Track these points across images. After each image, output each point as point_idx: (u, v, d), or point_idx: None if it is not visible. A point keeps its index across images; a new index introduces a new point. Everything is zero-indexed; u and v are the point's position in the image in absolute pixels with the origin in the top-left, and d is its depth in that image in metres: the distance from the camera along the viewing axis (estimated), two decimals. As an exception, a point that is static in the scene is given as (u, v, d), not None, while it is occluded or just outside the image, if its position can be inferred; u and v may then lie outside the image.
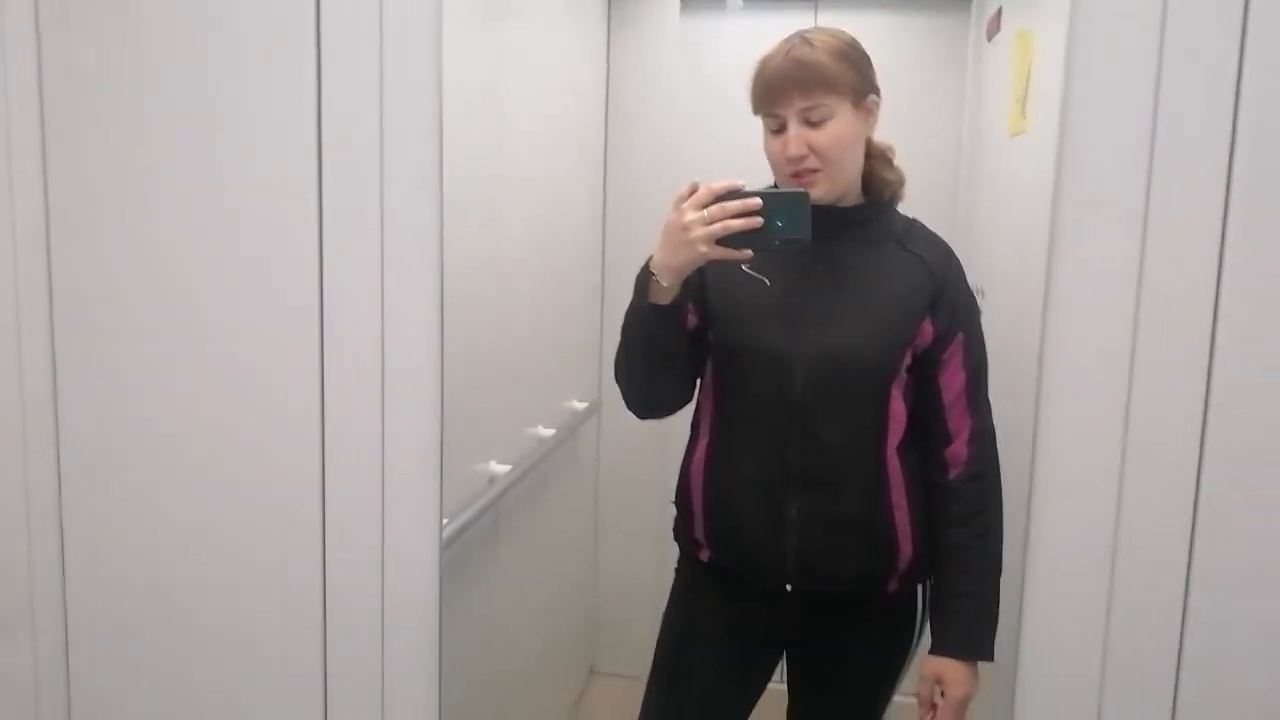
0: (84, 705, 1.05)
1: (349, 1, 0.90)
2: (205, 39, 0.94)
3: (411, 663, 0.98)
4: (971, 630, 1.25)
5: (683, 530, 1.36)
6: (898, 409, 1.25)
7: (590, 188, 2.35)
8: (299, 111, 0.92)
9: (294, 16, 0.91)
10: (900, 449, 1.25)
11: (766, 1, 2.40)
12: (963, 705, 1.24)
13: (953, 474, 1.26)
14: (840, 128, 1.19)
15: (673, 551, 1.41)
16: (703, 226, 1.08)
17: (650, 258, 1.15)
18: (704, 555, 1.34)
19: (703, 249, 1.08)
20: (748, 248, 1.09)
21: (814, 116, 1.18)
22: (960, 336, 1.25)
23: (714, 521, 1.31)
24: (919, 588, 1.32)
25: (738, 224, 1.07)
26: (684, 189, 1.10)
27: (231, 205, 0.95)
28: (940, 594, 1.28)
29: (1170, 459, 0.86)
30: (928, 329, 1.24)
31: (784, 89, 1.18)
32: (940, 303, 1.24)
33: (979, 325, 1.29)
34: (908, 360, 1.24)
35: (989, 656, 1.24)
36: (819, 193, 1.19)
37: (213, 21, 0.93)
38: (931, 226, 1.33)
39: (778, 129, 1.20)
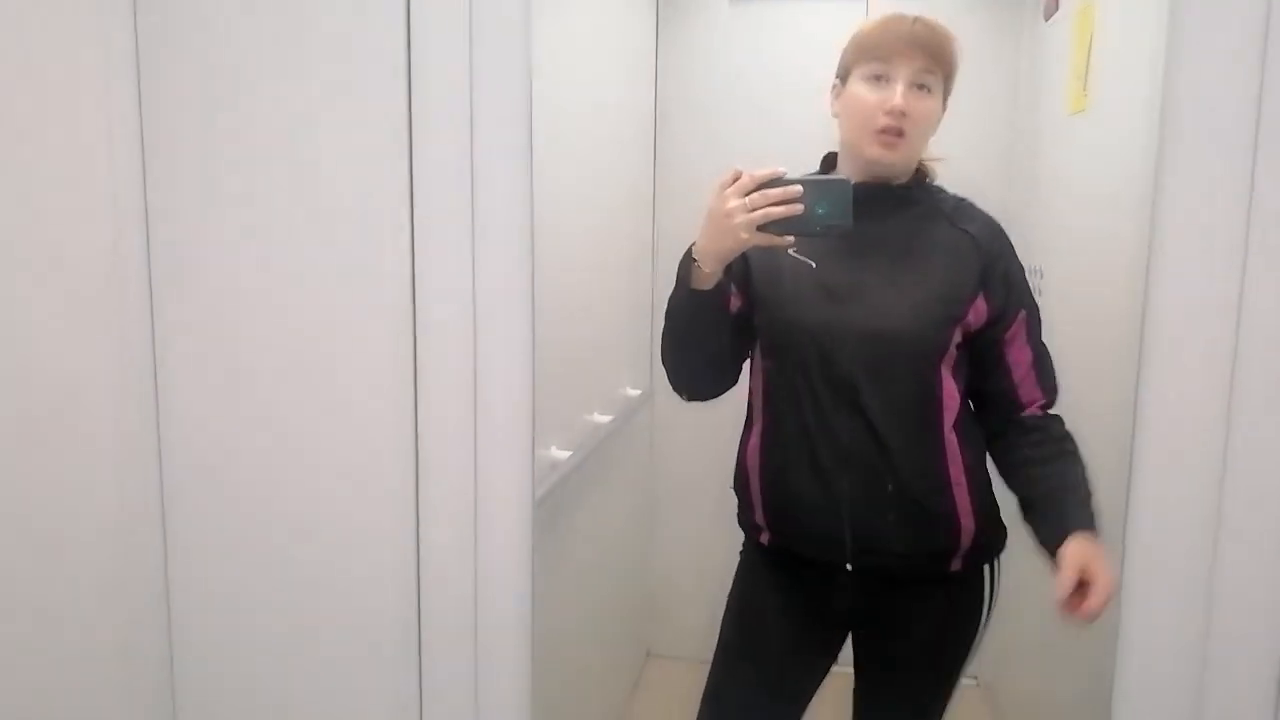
0: (187, 683, 1.10)
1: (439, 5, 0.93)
2: (297, 59, 0.97)
3: (503, 638, 1.02)
4: (1093, 514, 1.18)
5: (744, 515, 1.38)
6: (950, 387, 1.25)
7: (641, 176, 2.36)
8: (389, 101, 0.96)
9: (386, 18, 0.95)
10: (958, 426, 1.25)
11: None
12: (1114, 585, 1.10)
13: (1027, 415, 1.27)
14: (935, 106, 1.22)
15: (727, 536, 1.43)
16: (745, 213, 1.08)
17: (693, 244, 1.17)
18: (765, 538, 1.35)
19: (744, 235, 1.09)
20: (789, 234, 1.10)
21: (923, 82, 1.19)
22: (1022, 314, 1.26)
23: (772, 504, 1.32)
24: (986, 569, 1.32)
25: (779, 210, 1.08)
26: (727, 176, 1.11)
27: (326, 206, 0.99)
28: (1045, 494, 1.23)
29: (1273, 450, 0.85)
30: (981, 306, 1.24)
31: (903, 48, 1.19)
32: (991, 279, 1.24)
33: (1034, 300, 1.29)
34: (958, 337, 1.24)
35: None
36: (896, 158, 1.22)
37: (301, 35, 0.97)
38: (985, 206, 1.32)
39: (878, 85, 1.20)
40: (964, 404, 1.27)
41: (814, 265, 1.25)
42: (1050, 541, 1.16)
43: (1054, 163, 2.11)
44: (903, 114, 1.19)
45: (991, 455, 1.30)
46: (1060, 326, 1.38)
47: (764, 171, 1.09)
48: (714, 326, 1.22)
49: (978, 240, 1.25)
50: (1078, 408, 1.31)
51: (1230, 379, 0.86)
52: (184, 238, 1.02)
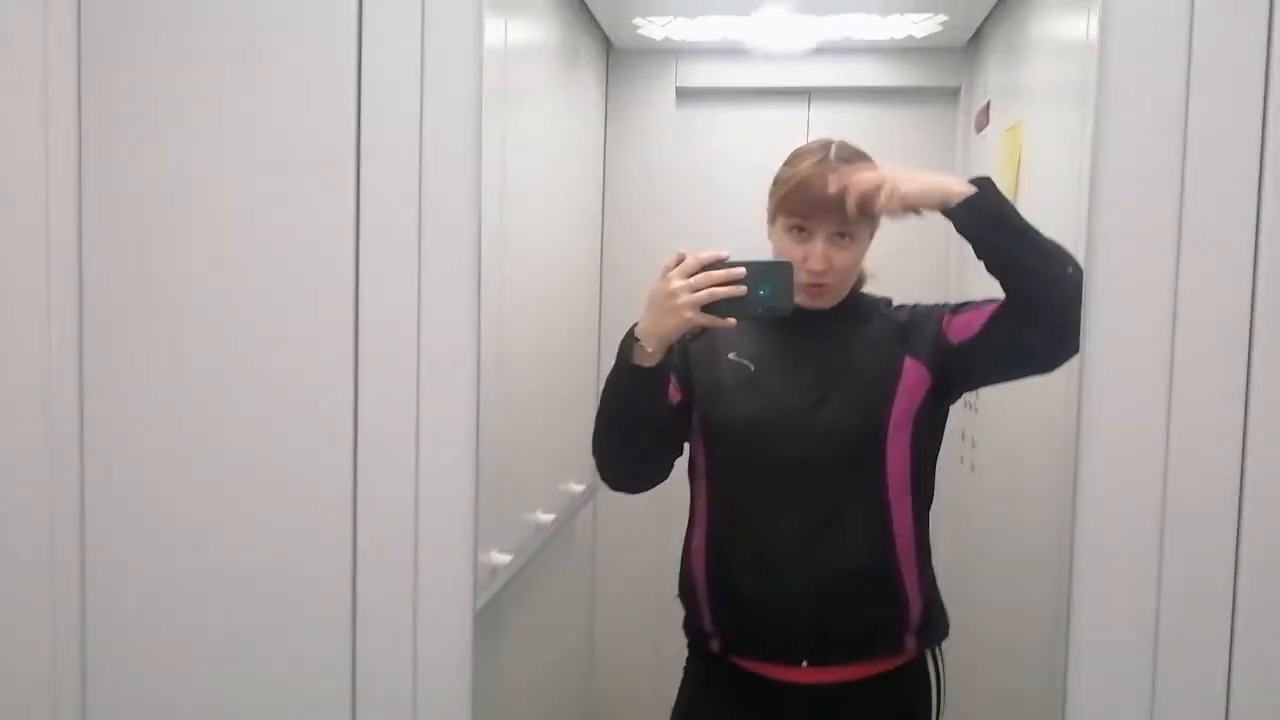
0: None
1: (388, 89, 0.93)
2: (244, 67, 0.97)
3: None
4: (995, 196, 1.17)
5: (691, 623, 1.35)
6: (896, 463, 1.26)
7: (586, 271, 2.37)
8: (337, 201, 0.95)
9: (335, 111, 0.93)
10: (904, 499, 1.27)
11: (759, 94, 2.46)
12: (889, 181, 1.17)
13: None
14: (860, 248, 1.27)
15: (670, 641, 1.39)
16: (689, 293, 1.11)
17: (635, 324, 1.18)
18: (714, 645, 1.32)
19: (688, 314, 1.12)
20: (731, 315, 1.13)
21: (844, 232, 1.23)
22: (946, 313, 1.28)
23: (720, 607, 1.30)
24: (931, 659, 1.31)
25: (723, 291, 1.12)
26: (671, 258, 1.15)
27: (266, 299, 0.97)
28: None
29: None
30: (914, 370, 1.26)
31: (821, 208, 1.22)
32: (917, 336, 1.27)
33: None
34: (901, 414, 1.25)
35: (977, 195, 1.17)
36: (823, 303, 1.28)
37: (251, 49, 0.96)
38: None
39: (800, 236, 1.24)
40: (913, 470, 1.27)
41: (752, 368, 1.26)
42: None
43: (986, 277, 2.17)
44: (823, 273, 1.24)
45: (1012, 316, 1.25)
46: (990, 443, 1.39)
47: (708, 253, 1.13)
48: (651, 407, 1.22)
49: (898, 318, 1.30)
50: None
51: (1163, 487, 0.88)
52: (119, 251, 0.99)
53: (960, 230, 1.17)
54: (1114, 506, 0.88)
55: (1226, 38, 0.84)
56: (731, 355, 1.29)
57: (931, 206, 1.16)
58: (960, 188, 1.15)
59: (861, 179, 1.17)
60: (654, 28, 2.28)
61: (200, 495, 0.97)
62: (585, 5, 2.16)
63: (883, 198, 1.16)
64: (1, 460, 0.96)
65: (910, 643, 1.30)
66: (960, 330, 1.26)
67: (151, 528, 0.98)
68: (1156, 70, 0.85)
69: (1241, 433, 0.86)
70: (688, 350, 1.32)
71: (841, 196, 1.21)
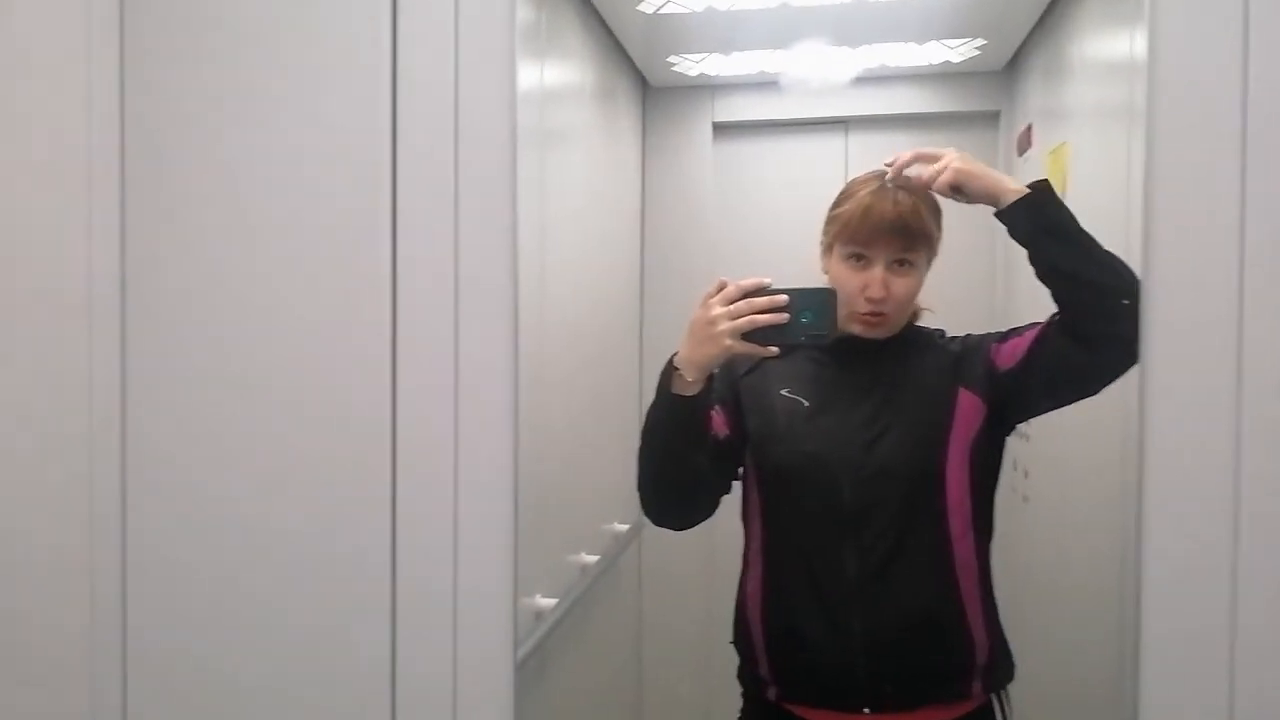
0: None
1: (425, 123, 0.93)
2: (280, 107, 0.97)
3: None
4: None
5: (747, 670, 1.31)
6: (956, 498, 1.22)
7: (626, 309, 2.36)
8: (372, 242, 0.94)
9: (369, 152, 0.94)
10: (966, 534, 1.23)
11: (796, 126, 2.45)
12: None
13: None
14: (918, 279, 1.25)
15: (721, 686, 1.35)
16: (728, 321, 1.09)
17: (675, 354, 1.16)
18: (771, 693, 1.28)
19: (728, 342, 1.10)
20: (772, 343, 1.11)
21: (903, 259, 1.21)
22: (993, 343, 1.24)
23: (778, 653, 1.26)
24: (998, 701, 1.26)
25: (763, 319, 1.10)
26: (712, 286, 1.13)
27: (299, 348, 0.97)
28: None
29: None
30: (968, 401, 1.22)
31: (882, 234, 1.21)
32: (969, 367, 1.24)
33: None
34: (965, 442, 1.22)
35: (1032, 197, 1.16)
36: (879, 333, 1.24)
37: (287, 91, 0.97)
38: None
39: (859, 264, 1.22)
40: (973, 505, 1.23)
41: (806, 404, 1.23)
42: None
43: (1033, 303, 2.12)
44: (882, 300, 1.21)
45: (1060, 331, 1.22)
46: (1045, 474, 1.35)
47: (749, 280, 1.12)
48: (691, 439, 1.19)
49: (951, 349, 1.27)
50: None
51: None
52: (161, 253, 0.99)
53: (1014, 234, 1.16)
54: (1183, 535, 0.83)
55: (1281, 49, 0.81)
56: (784, 391, 1.26)
57: (983, 196, 1.16)
58: (1016, 186, 1.14)
59: (923, 151, 1.18)
60: (689, 64, 2.28)
61: (236, 557, 0.96)
62: (620, 45, 2.18)
63: (940, 164, 1.16)
64: (45, 452, 0.96)
65: (976, 687, 1.25)
66: (1008, 356, 1.23)
67: (187, 567, 0.97)
68: (1210, 85, 0.82)
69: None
70: (738, 386, 1.29)
71: (905, 224, 1.20)
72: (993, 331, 1.28)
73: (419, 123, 0.92)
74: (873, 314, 1.23)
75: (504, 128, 0.92)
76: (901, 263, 1.22)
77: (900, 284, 1.23)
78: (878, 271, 1.22)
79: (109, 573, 0.98)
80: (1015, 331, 1.25)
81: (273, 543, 0.96)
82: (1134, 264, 0.89)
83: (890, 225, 1.21)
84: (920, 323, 1.34)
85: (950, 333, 1.33)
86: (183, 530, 0.98)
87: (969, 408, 1.24)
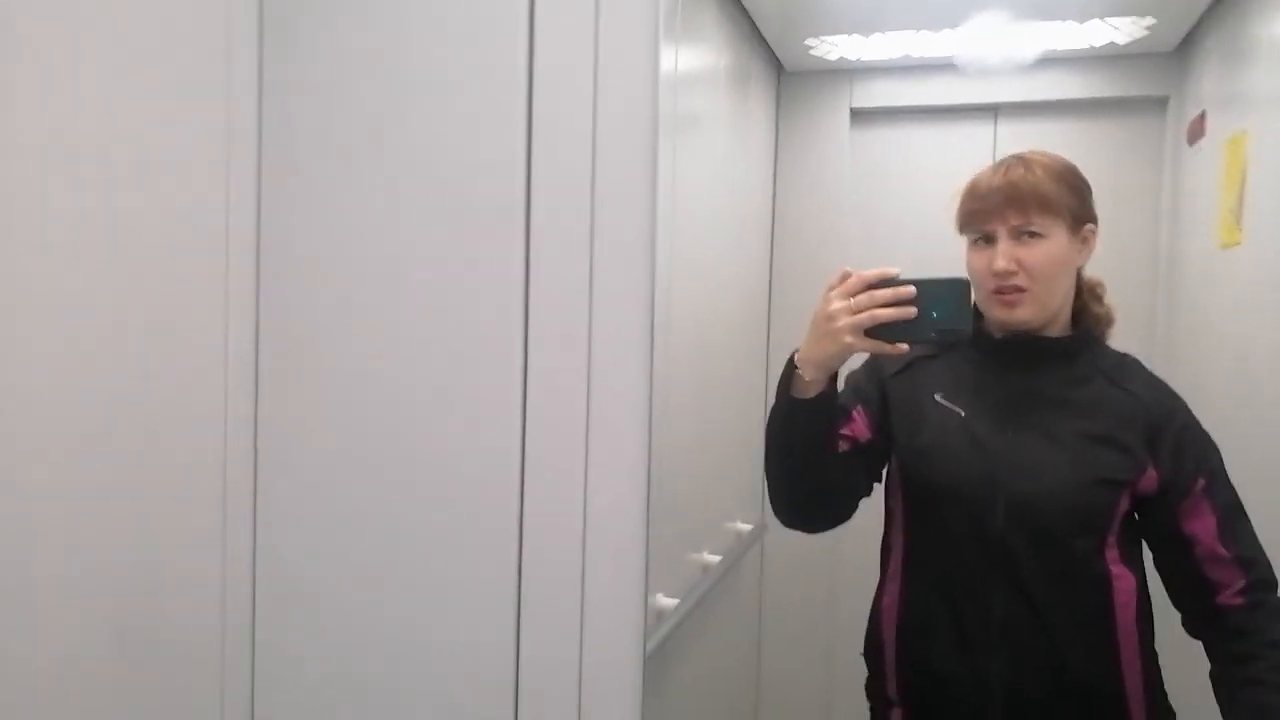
0: None
1: (561, 119, 0.90)
2: (416, 98, 0.95)
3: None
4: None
5: (875, 686, 1.23)
6: (1121, 568, 1.11)
7: (755, 303, 2.30)
8: (507, 242, 0.92)
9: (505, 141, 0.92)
10: (1131, 606, 1.11)
11: (941, 112, 2.33)
12: None
13: (1226, 606, 1.09)
14: (1052, 249, 1.11)
15: (840, 691, 1.28)
16: (849, 316, 0.99)
17: (795, 351, 1.07)
18: (897, 716, 1.19)
19: (849, 339, 0.99)
20: (901, 340, 0.99)
21: (1030, 230, 1.10)
22: (1201, 483, 1.10)
23: (909, 679, 1.18)
24: None
25: (887, 314, 0.98)
26: (835, 277, 1.02)
27: (431, 346, 0.95)
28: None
29: None
30: (1151, 475, 1.10)
31: (995, 205, 1.11)
32: (1160, 444, 1.10)
33: (1222, 466, 1.12)
34: (1125, 505, 1.10)
35: None
36: (1024, 315, 1.11)
37: (423, 81, 0.95)
38: (1130, 338, 1.22)
39: (984, 245, 1.13)
40: (1140, 587, 1.12)
41: (962, 414, 1.14)
42: None
43: (1204, 297, 1.95)
44: (1009, 273, 1.10)
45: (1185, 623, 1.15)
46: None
47: (873, 272, 1.01)
48: (812, 445, 1.10)
49: (1142, 400, 1.13)
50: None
51: None
52: (295, 283, 0.99)
53: None
54: None
55: None
56: (938, 397, 1.15)
57: None
58: None
59: None
60: (827, 47, 2.19)
61: (366, 545, 0.96)
62: (756, 28, 2.11)
63: None
64: (181, 467, 0.98)
65: None
66: (1187, 520, 1.10)
67: (316, 581, 0.98)
68: None
69: None
70: (885, 386, 1.19)
71: (1018, 191, 1.10)
72: (1180, 399, 1.15)
73: (559, 105, 0.89)
74: (1003, 290, 1.11)
75: (645, 114, 0.88)
76: (1029, 234, 1.10)
77: (1030, 254, 1.10)
78: (1001, 244, 1.11)
79: (240, 558, 0.99)
80: (1205, 497, 1.10)
81: (401, 538, 0.96)
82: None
83: (1000, 193, 1.11)
84: (1111, 342, 1.20)
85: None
86: (312, 523, 0.99)
87: (1149, 481, 1.11)
